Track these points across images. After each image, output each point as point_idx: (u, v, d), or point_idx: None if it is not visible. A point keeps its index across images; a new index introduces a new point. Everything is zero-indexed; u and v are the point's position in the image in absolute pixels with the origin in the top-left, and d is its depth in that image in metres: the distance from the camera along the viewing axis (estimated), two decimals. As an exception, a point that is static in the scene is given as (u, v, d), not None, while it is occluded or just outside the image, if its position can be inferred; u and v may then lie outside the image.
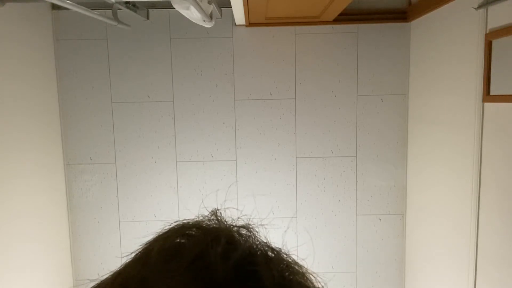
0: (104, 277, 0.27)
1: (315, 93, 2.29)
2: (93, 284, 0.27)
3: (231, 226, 0.29)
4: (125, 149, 2.31)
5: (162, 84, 2.28)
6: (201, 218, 0.30)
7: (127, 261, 0.27)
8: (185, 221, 0.29)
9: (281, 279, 0.26)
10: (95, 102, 2.28)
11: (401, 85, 2.28)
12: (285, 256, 0.29)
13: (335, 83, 2.28)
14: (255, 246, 0.28)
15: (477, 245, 1.61)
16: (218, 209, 0.31)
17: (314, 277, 0.29)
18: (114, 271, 0.27)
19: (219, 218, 0.30)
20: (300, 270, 0.29)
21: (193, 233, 0.28)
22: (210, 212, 0.30)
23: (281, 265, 0.28)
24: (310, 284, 0.29)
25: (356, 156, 2.32)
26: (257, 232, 0.30)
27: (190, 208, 2.27)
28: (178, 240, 0.27)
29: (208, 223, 0.29)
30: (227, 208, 0.32)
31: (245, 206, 2.34)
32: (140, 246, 0.28)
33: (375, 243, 2.37)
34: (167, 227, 0.29)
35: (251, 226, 0.30)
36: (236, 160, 2.32)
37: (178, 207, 2.34)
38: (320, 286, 0.29)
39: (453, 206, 1.80)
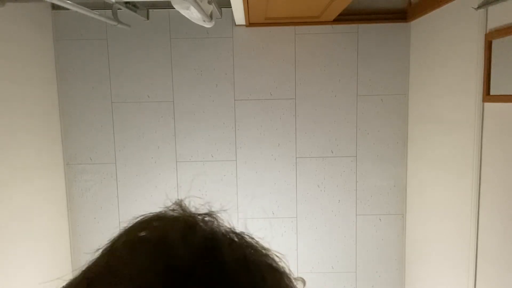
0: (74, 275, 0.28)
1: (315, 93, 2.29)
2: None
3: (194, 214, 0.31)
4: (125, 149, 2.31)
5: (162, 84, 2.28)
6: (164, 209, 0.31)
7: (93, 258, 0.28)
8: (147, 214, 0.30)
9: (242, 257, 0.28)
10: (95, 102, 2.28)
11: (401, 85, 2.28)
12: (248, 238, 0.30)
13: (335, 83, 2.28)
14: (217, 230, 0.29)
15: (477, 245, 1.61)
16: (181, 200, 0.32)
17: (278, 257, 0.30)
18: (82, 268, 0.28)
19: (182, 207, 0.31)
20: (263, 251, 0.30)
21: (155, 224, 0.29)
22: (173, 203, 0.32)
23: (243, 245, 0.29)
24: (273, 262, 0.30)
25: (356, 156, 2.32)
26: (220, 218, 0.31)
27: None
28: (140, 234, 0.28)
29: (172, 213, 0.30)
30: (190, 197, 0.33)
31: (245, 206, 2.34)
32: (105, 244, 0.29)
33: (375, 243, 2.37)
34: (130, 222, 0.30)
35: (214, 213, 0.31)
36: (236, 160, 2.32)
37: (178, 207, 2.33)
38: (283, 265, 0.30)
39: (453, 206, 1.80)
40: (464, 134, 1.69)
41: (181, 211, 0.31)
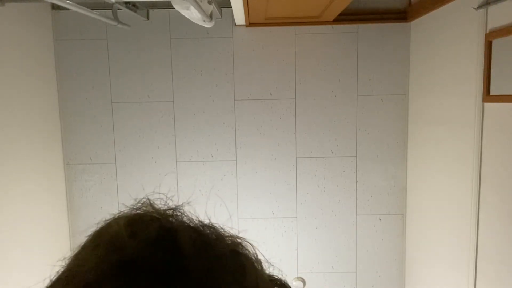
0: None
1: (315, 93, 2.29)
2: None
3: (159, 209, 0.32)
4: (125, 149, 2.31)
5: (162, 84, 2.28)
6: (130, 207, 0.32)
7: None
8: (115, 215, 0.31)
9: (201, 244, 0.28)
10: (95, 102, 2.28)
11: (401, 85, 2.28)
12: (216, 228, 0.31)
13: (335, 83, 2.28)
14: (180, 222, 0.30)
15: (477, 245, 1.61)
16: (147, 197, 0.33)
17: (249, 244, 0.31)
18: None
19: (149, 204, 0.32)
20: (230, 238, 0.31)
21: (115, 223, 0.30)
22: (138, 201, 0.33)
23: (205, 234, 0.30)
24: (239, 249, 0.30)
25: (356, 156, 2.32)
26: (186, 211, 0.31)
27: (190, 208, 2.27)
28: (102, 234, 0.30)
29: (136, 211, 0.32)
30: (156, 194, 0.35)
31: (245, 206, 2.34)
32: (74, 250, 0.31)
33: (375, 243, 2.37)
34: (99, 224, 0.31)
35: (180, 207, 0.32)
36: (236, 160, 2.32)
37: (178, 207, 2.33)
38: (252, 252, 0.31)
39: (453, 206, 1.80)
40: (464, 134, 1.69)
41: (146, 208, 0.32)
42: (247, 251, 0.30)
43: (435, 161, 1.96)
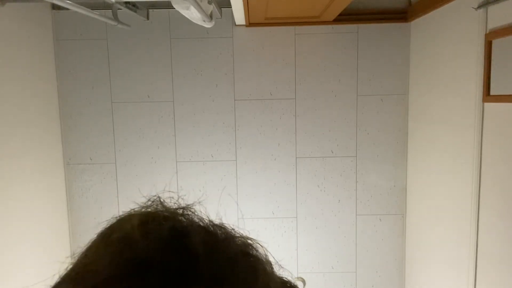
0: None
1: (315, 93, 2.29)
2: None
3: (170, 208, 0.31)
4: (125, 149, 2.31)
5: (162, 84, 2.28)
6: (140, 205, 0.32)
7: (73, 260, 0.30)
8: (124, 213, 0.31)
9: (212, 244, 0.28)
10: (95, 102, 2.28)
11: (401, 85, 2.28)
12: (227, 228, 0.31)
13: (335, 83, 2.28)
14: (191, 221, 0.30)
15: (477, 245, 1.61)
16: (158, 195, 0.33)
17: (260, 246, 0.31)
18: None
19: (159, 202, 0.32)
20: (241, 239, 0.30)
21: (126, 221, 0.30)
22: (149, 199, 0.32)
23: (216, 235, 0.29)
24: (250, 250, 0.30)
25: (356, 156, 2.32)
26: (197, 211, 0.31)
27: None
28: (112, 233, 0.29)
29: (146, 209, 0.31)
30: (167, 192, 0.34)
31: (245, 206, 2.34)
32: (83, 247, 0.30)
33: (375, 243, 2.37)
34: (108, 222, 0.30)
35: (191, 206, 0.31)
36: (236, 160, 2.32)
37: (178, 207, 2.33)
38: (263, 253, 0.30)
39: (453, 206, 1.80)
40: (464, 134, 1.69)
41: (157, 207, 0.31)
42: (257, 253, 0.30)
43: (435, 161, 1.96)
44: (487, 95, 1.54)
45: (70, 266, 0.29)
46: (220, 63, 2.27)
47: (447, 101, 1.85)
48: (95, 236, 0.30)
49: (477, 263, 1.61)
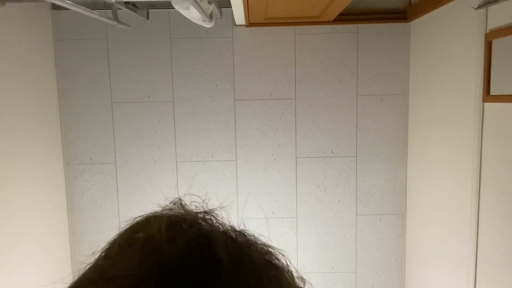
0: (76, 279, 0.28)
1: (315, 93, 2.29)
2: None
3: (192, 212, 0.31)
4: (125, 149, 2.31)
5: (162, 84, 2.28)
6: (162, 208, 0.31)
7: (91, 262, 0.29)
8: (144, 214, 0.30)
9: (237, 252, 0.28)
10: (95, 102, 2.28)
11: (401, 85, 2.28)
12: (247, 235, 0.30)
13: (335, 83, 2.28)
14: (214, 227, 0.29)
15: (477, 245, 1.61)
16: (180, 198, 0.32)
17: (281, 254, 0.30)
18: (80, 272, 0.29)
19: (181, 205, 0.31)
20: (264, 248, 0.30)
21: (148, 224, 0.29)
22: (171, 202, 0.32)
23: (240, 242, 0.29)
24: (273, 259, 0.29)
25: (356, 156, 2.32)
26: (218, 215, 0.31)
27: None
28: (135, 235, 0.29)
29: (169, 212, 0.31)
30: (189, 195, 0.34)
31: (245, 206, 2.34)
32: (102, 246, 0.30)
33: (375, 243, 2.37)
34: (128, 224, 0.30)
35: (212, 211, 0.31)
36: (236, 160, 2.32)
37: (178, 207, 2.33)
38: (285, 263, 0.30)
39: (453, 206, 1.80)
40: (464, 134, 1.69)
41: (179, 210, 0.31)
42: (280, 262, 0.30)
43: (435, 161, 1.96)
44: (487, 95, 1.54)
45: (90, 266, 0.28)
46: (220, 63, 2.27)
47: (447, 101, 1.85)
48: (116, 237, 0.29)
49: (477, 263, 1.61)
